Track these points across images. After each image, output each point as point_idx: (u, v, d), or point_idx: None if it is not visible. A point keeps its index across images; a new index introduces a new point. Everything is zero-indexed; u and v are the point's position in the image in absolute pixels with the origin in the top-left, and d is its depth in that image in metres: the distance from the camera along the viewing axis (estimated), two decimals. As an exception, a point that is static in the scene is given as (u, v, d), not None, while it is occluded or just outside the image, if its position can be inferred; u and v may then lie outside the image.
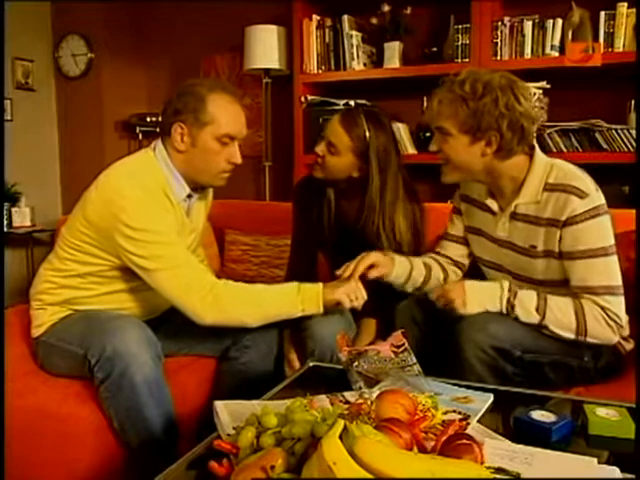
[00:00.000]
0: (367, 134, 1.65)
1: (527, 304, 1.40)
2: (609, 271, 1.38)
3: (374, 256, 1.56)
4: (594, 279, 1.38)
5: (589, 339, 1.39)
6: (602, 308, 1.37)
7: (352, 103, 2.80)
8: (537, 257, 1.46)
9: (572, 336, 1.39)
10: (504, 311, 1.42)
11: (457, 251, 1.69)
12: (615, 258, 1.39)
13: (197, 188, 1.60)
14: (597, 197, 1.37)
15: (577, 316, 1.38)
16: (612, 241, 1.39)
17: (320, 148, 1.69)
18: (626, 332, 1.49)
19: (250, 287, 1.50)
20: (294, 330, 1.69)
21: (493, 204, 1.53)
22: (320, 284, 1.48)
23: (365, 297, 1.50)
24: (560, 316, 1.38)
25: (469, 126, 1.38)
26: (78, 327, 1.50)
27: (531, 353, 1.41)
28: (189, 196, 1.58)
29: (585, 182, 1.38)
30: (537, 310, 1.39)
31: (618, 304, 1.38)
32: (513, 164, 1.44)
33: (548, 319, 1.39)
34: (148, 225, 1.42)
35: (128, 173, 1.48)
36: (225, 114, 1.49)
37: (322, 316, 1.56)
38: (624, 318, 1.39)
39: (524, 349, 1.40)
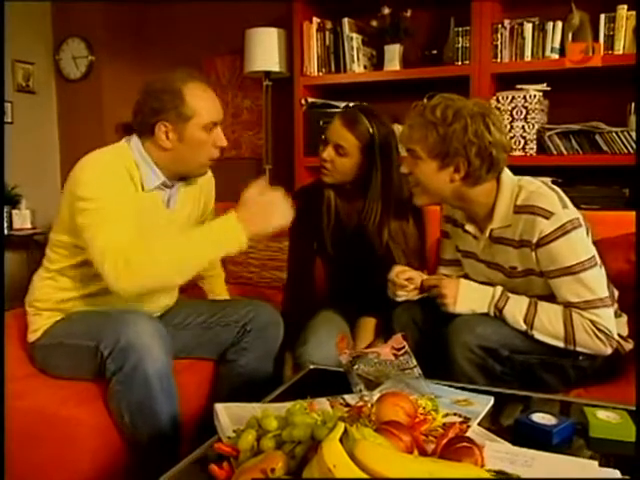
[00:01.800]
0: (370, 129, 1.66)
1: (515, 313, 1.41)
2: (589, 286, 1.37)
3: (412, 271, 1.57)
4: (574, 296, 1.38)
5: (578, 348, 1.39)
6: (591, 321, 1.37)
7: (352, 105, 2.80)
8: (519, 277, 1.48)
9: (561, 344, 1.40)
10: (492, 315, 1.43)
11: (455, 274, 1.68)
12: (595, 271, 1.38)
13: (178, 179, 1.59)
14: (564, 214, 1.36)
15: (566, 327, 1.38)
16: (589, 254, 1.38)
17: (327, 153, 1.68)
18: (624, 332, 1.50)
19: (161, 242, 1.44)
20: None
21: (471, 228, 1.54)
22: (232, 214, 1.39)
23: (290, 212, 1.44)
24: (549, 326, 1.39)
25: (438, 151, 1.39)
26: (87, 322, 1.49)
27: (520, 353, 1.42)
28: (166, 185, 1.56)
29: (550, 200, 1.38)
30: (525, 321, 1.41)
31: (607, 316, 1.38)
32: (482, 190, 1.45)
33: (536, 328, 1.40)
34: (98, 194, 1.41)
35: (94, 155, 1.50)
36: (205, 103, 1.49)
37: (316, 341, 1.61)
38: (614, 329, 1.39)
39: (512, 349, 1.41)
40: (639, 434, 1.02)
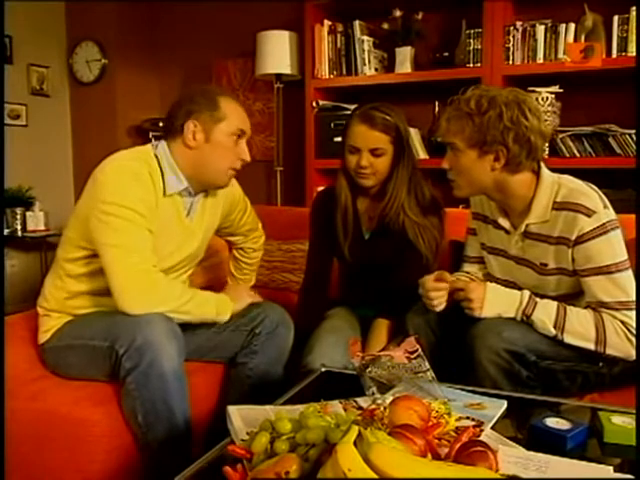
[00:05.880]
0: (391, 119, 1.69)
1: (544, 319, 1.40)
2: (623, 287, 1.37)
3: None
4: (608, 296, 1.38)
5: (608, 351, 1.38)
6: (622, 322, 1.37)
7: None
8: (549, 274, 1.47)
9: (591, 347, 1.39)
10: (519, 320, 1.42)
11: (480, 272, 1.69)
12: (629, 272, 1.39)
13: (200, 191, 1.62)
14: (604, 214, 1.37)
15: (597, 329, 1.38)
16: (624, 256, 1.38)
17: (365, 160, 1.68)
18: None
19: (172, 286, 1.52)
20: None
21: (505, 222, 1.53)
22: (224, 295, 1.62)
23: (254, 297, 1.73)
24: (580, 328, 1.39)
25: (475, 140, 1.40)
26: (100, 322, 1.50)
27: (546, 359, 1.41)
28: (189, 193, 1.58)
29: (592, 199, 1.38)
30: (555, 326, 1.40)
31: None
32: (521, 181, 1.45)
33: (567, 331, 1.39)
34: (122, 205, 1.43)
35: (118, 160, 1.51)
36: (236, 112, 1.57)
37: (321, 350, 1.62)
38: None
39: (539, 354, 1.40)
40: (639, 436, 1.02)
